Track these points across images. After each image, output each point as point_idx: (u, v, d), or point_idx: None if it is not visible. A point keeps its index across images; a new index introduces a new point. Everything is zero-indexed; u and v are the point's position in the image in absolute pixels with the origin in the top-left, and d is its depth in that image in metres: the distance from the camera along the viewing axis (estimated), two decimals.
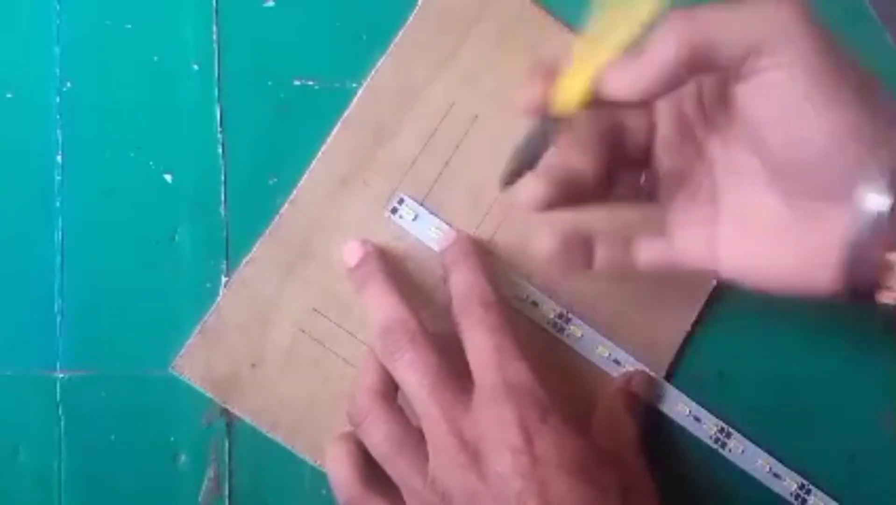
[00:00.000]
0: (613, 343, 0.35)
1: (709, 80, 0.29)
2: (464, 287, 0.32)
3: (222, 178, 0.34)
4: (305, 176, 0.34)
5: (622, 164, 0.30)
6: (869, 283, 0.26)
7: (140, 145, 0.34)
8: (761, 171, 0.28)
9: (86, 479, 0.33)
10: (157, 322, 0.34)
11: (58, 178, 0.34)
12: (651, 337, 0.36)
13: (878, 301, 0.26)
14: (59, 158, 0.34)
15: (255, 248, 0.34)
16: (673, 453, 0.36)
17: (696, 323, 0.36)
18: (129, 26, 0.34)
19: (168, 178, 0.34)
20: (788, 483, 0.36)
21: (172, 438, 0.34)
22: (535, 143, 0.29)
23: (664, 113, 0.30)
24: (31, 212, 0.34)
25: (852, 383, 0.36)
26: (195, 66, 0.34)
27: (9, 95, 0.34)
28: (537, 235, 0.31)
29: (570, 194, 0.29)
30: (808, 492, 0.36)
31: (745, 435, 0.36)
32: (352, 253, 0.34)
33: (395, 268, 0.34)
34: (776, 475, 0.36)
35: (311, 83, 0.35)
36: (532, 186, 0.29)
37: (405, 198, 0.35)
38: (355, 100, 0.35)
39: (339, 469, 0.31)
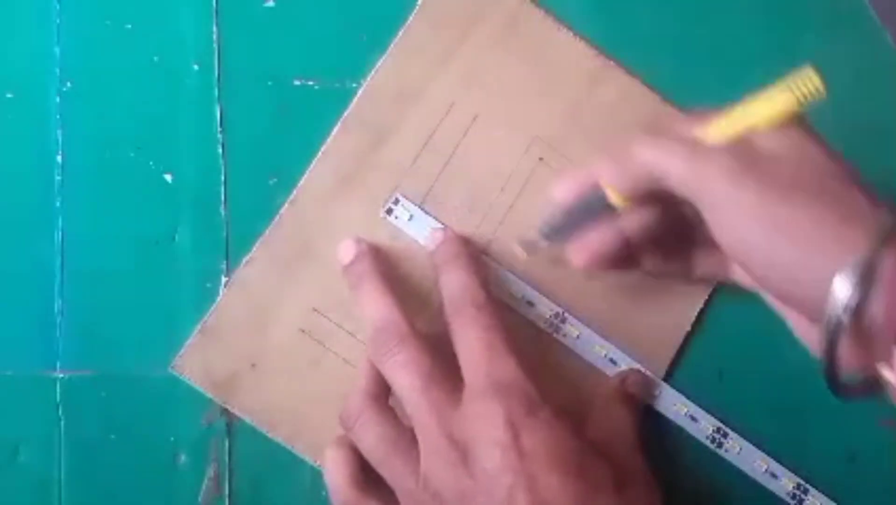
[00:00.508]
0: (612, 343, 0.35)
1: None
2: (455, 287, 0.32)
3: (222, 178, 0.34)
4: (305, 176, 0.34)
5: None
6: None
7: (140, 145, 0.34)
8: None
9: (86, 479, 0.33)
10: (156, 322, 0.34)
11: (58, 178, 0.34)
12: (651, 337, 0.36)
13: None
14: (59, 158, 0.34)
15: (255, 249, 0.34)
16: (669, 453, 0.36)
17: (696, 323, 0.36)
18: (129, 26, 0.34)
19: (168, 178, 0.34)
20: (785, 483, 0.36)
21: (172, 438, 0.34)
22: (586, 211, 0.31)
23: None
24: (31, 212, 0.33)
25: None
26: (195, 66, 0.34)
27: (9, 95, 0.34)
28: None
29: (615, 266, 0.33)
30: (805, 492, 0.36)
31: (742, 434, 0.36)
32: (345, 251, 0.34)
33: (391, 268, 0.34)
34: (773, 475, 0.36)
35: (311, 83, 0.35)
36: (583, 256, 0.32)
37: (400, 198, 0.35)
38: (355, 100, 0.35)
39: (334, 475, 0.31)
